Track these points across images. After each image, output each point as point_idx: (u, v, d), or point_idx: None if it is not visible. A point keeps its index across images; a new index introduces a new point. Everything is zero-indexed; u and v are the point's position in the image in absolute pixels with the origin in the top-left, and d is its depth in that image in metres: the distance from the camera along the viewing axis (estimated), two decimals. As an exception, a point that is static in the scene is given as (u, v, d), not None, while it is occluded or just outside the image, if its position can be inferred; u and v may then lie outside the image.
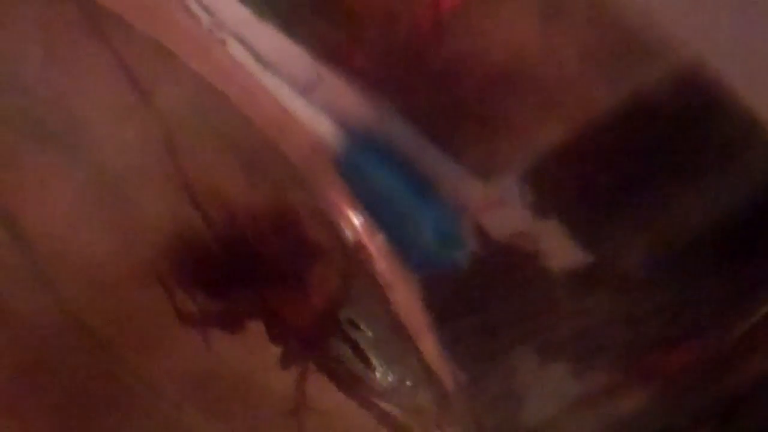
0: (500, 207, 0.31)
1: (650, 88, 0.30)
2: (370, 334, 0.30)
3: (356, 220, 0.31)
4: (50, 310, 0.29)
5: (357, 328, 0.30)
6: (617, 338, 0.31)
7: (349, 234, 0.31)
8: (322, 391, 0.29)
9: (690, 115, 0.30)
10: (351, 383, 0.29)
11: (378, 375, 0.30)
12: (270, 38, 0.31)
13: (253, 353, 0.29)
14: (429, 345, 0.31)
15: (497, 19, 0.31)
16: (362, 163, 0.31)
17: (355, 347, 0.29)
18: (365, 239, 0.31)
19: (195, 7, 0.31)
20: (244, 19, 0.31)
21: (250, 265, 0.29)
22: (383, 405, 0.30)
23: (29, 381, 0.29)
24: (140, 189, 0.30)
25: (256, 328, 0.29)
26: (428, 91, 0.31)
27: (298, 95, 0.31)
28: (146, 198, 0.30)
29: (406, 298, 0.31)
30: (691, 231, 0.31)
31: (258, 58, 0.31)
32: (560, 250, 0.31)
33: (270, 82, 0.31)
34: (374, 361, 0.30)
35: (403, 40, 0.31)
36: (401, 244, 0.31)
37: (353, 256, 0.30)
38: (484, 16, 0.31)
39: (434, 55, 0.31)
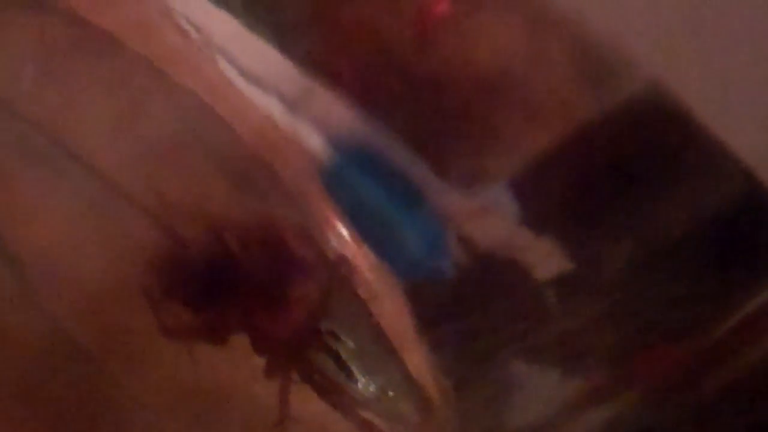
0: (484, 216, 0.32)
1: (626, 98, 0.31)
2: (351, 344, 0.30)
3: (342, 231, 0.31)
4: (39, 327, 0.30)
5: (338, 339, 0.30)
6: (602, 341, 0.31)
7: (333, 246, 0.31)
8: (306, 401, 0.29)
9: (658, 131, 0.31)
10: (334, 393, 0.30)
11: (360, 385, 0.30)
12: (259, 53, 0.31)
13: (237, 365, 0.30)
14: (413, 354, 0.31)
15: (483, 30, 0.31)
16: (349, 175, 0.32)
17: (337, 358, 0.30)
18: (350, 251, 0.31)
19: (184, 24, 0.32)
20: (233, 34, 0.32)
21: (234, 278, 0.30)
22: (366, 414, 0.30)
23: (21, 399, 0.29)
24: (127, 206, 0.30)
25: (240, 340, 0.29)
26: (415, 102, 0.32)
27: (287, 109, 0.32)
28: (132, 215, 0.30)
29: (390, 308, 0.31)
30: (669, 237, 0.31)
31: (247, 73, 0.32)
32: (544, 257, 0.31)
33: (259, 97, 0.32)
34: (356, 371, 0.30)
35: (390, 52, 0.32)
36: (387, 255, 0.31)
37: (335, 269, 0.31)
38: (470, 27, 0.31)
39: (421, 66, 0.32)
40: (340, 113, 0.31)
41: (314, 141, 0.32)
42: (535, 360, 0.32)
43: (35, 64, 0.31)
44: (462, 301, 0.31)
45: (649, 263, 0.31)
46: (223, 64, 0.32)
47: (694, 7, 0.29)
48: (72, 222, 0.30)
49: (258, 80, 0.32)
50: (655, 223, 0.31)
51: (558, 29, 0.31)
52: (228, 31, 0.32)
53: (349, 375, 0.30)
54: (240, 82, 0.32)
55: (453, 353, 0.31)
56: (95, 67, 0.32)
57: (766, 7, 0.30)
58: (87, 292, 0.30)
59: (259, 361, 0.29)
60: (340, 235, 0.31)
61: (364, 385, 0.30)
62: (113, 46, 0.31)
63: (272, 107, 0.32)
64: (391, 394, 0.30)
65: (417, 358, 0.31)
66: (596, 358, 0.32)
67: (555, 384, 0.32)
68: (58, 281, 0.30)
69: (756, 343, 0.31)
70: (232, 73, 0.32)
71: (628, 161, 0.31)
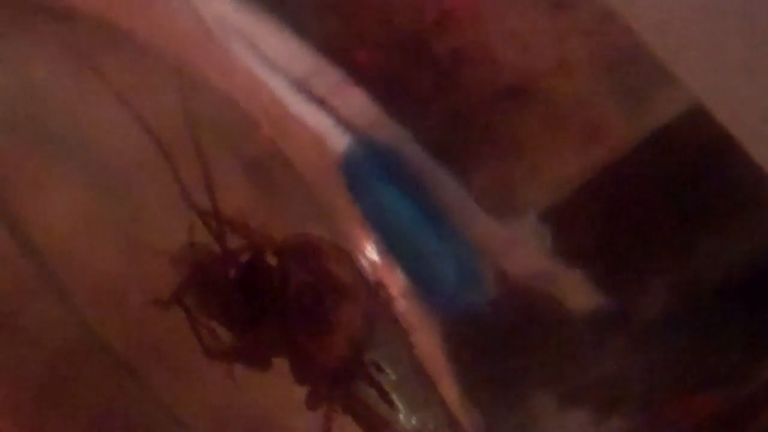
0: (518, 247, 0.31)
1: (666, 123, 0.30)
2: (393, 377, 0.29)
3: (375, 255, 0.30)
4: (63, 321, 0.28)
5: (381, 370, 0.29)
6: (637, 386, 0.31)
7: (369, 272, 0.30)
8: (346, 432, 0.28)
9: (704, 158, 0.30)
10: (376, 426, 0.28)
11: (401, 417, 0.29)
12: (274, 36, 0.30)
13: (277, 391, 0.28)
14: (449, 390, 0.30)
15: (505, 24, 0.30)
16: (370, 177, 0.31)
17: (380, 389, 0.29)
18: (385, 277, 0.30)
19: (196, 4, 0.30)
20: (248, 16, 0.30)
21: (274, 298, 0.28)
22: (406, 448, 0.29)
23: (52, 401, 0.27)
24: (145, 199, 0.29)
25: (281, 365, 0.28)
26: (435, 95, 0.30)
27: (303, 96, 0.30)
28: (152, 208, 0.29)
29: (427, 341, 0.30)
30: (713, 277, 0.31)
31: (261, 57, 0.30)
32: (579, 293, 0.30)
33: (273, 82, 0.30)
34: (398, 403, 0.29)
35: (407, 33, 0.30)
36: (421, 283, 0.30)
37: (375, 295, 0.29)
38: (491, 17, 0.30)
39: (439, 49, 0.30)
40: (359, 102, 0.30)
41: (333, 134, 0.30)
42: (569, 403, 0.31)
43: (51, 53, 0.30)
44: (496, 341, 0.30)
45: (688, 304, 0.30)
46: (238, 48, 0.30)
47: (749, 20, 0.28)
48: (94, 216, 0.29)
49: (272, 64, 0.30)
50: (696, 263, 0.31)
51: (586, 35, 0.30)
52: (243, 13, 0.30)
53: (392, 407, 0.29)
54: (255, 67, 0.30)
55: (488, 393, 0.30)
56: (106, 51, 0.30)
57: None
58: (109, 284, 0.28)
59: (301, 390, 0.28)
60: (371, 259, 0.30)
61: (405, 417, 0.29)
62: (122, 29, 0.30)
63: (287, 93, 0.30)
64: (431, 427, 0.29)
65: (453, 394, 0.30)
66: (631, 403, 0.31)
67: (589, 427, 0.31)
68: (78, 270, 0.28)
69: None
70: (246, 58, 0.30)
71: (665, 194, 0.31)
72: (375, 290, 0.29)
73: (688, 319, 0.30)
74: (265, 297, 0.28)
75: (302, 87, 0.30)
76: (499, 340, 0.30)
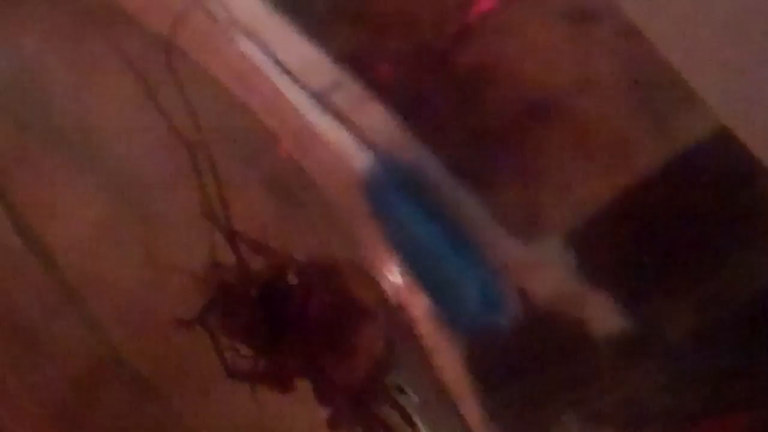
0: (543, 270, 0.30)
1: (693, 145, 0.30)
2: (416, 399, 0.29)
3: (398, 278, 0.30)
4: (89, 342, 0.28)
5: (403, 392, 0.29)
6: (662, 408, 0.30)
7: (391, 293, 0.30)
8: (370, 456, 0.28)
9: (730, 180, 0.30)
10: (399, 448, 0.28)
11: (424, 440, 0.29)
12: (290, 42, 0.30)
13: (300, 412, 0.28)
14: (472, 412, 0.30)
15: (528, 38, 0.30)
16: (392, 196, 0.30)
17: (403, 412, 0.28)
18: (408, 299, 0.30)
19: (213, 6, 0.30)
20: (263, 21, 0.30)
21: (296, 319, 0.28)
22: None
23: (74, 420, 0.27)
24: (166, 213, 0.29)
25: (304, 386, 0.28)
26: (456, 110, 0.30)
27: (320, 107, 0.30)
28: (173, 223, 0.29)
29: (450, 363, 0.30)
30: (739, 299, 0.30)
31: (277, 63, 0.30)
32: (604, 315, 0.30)
33: (289, 90, 0.30)
34: (421, 426, 0.29)
35: (429, 47, 0.30)
36: (444, 305, 0.30)
37: (397, 317, 0.29)
38: (514, 30, 0.30)
39: (462, 65, 0.30)
40: (380, 119, 0.30)
41: (354, 151, 0.30)
42: (594, 425, 0.31)
43: (60, 53, 0.30)
44: (520, 360, 0.30)
45: (714, 326, 0.30)
46: (252, 51, 0.30)
47: None
48: (107, 223, 0.29)
49: (288, 72, 0.30)
50: (721, 286, 0.30)
51: (609, 51, 0.30)
52: (258, 17, 0.30)
53: (414, 429, 0.28)
54: (269, 73, 0.30)
55: (510, 415, 0.30)
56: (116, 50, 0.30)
57: None
58: (132, 302, 0.28)
59: (323, 411, 0.28)
60: (395, 282, 0.30)
61: (428, 439, 0.29)
62: (136, 28, 0.29)
63: (308, 107, 0.30)
64: (453, 449, 0.29)
65: (475, 416, 0.30)
66: (656, 424, 0.31)
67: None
68: (100, 288, 0.28)
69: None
70: (260, 62, 0.30)
71: (691, 216, 0.30)
72: (397, 313, 0.29)
73: (715, 340, 0.30)
74: (286, 318, 0.28)
75: (323, 101, 0.30)
76: (523, 362, 0.30)
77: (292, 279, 0.28)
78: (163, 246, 0.29)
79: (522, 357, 0.30)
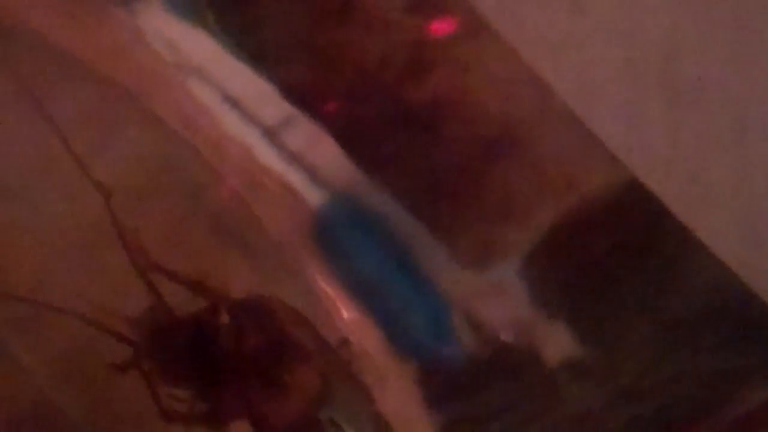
0: (495, 298, 0.31)
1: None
2: (352, 432, 0.29)
3: (348, 312, 0.30)
4: (22, 391, 0.28)
5: (339, 427, 0.29)
6: (617, 422, 0.31)
7: (336, 327, 0.30)
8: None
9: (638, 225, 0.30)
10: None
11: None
12: (238, 77, 0.30)
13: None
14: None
15: (485, 68, 0.30)
16: (344, 234, 0.30)
17: (338, 447, 0.29)
18: (358, 332, 0.30)
19: (158, 45, 0.30)
20: (210, 55, 0.30)
21: (230, 360, 0.28)
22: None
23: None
24: (108, 251, 0.29)
25: (241, 427, 0.28)
26: (409, 143, 0.30)
27: (267, 138, 0.30)
28: (115, 264, 0.29)
29: (397, 392, 0.30)
30: (684, 316, 0.31)
31: (225, 99, 0.30)
32: (555, 339, 0.30)
33: (238, 127, 0.30)
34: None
35: (381, 83, 0.30)
36: (396, 338, 0.30)
37: (336, 354, 0.30)
38: (470, 58, 0.30)
39: (416, 99, 0.30)
40: (333, 156, 0.30)
41: (306, 190, 0.30)
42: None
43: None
44: (472, 384, 0.30)
45: (663, 342, 0.30)
46: (200, 89, 0.30)
47: (672, 104, 0.28)
48: (45, 270, 0.29)
49: (237, 107, 0.30)
50: (663, 304, 0.30)
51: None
52: (205, 52, 0.30)
53: (350, 463, 0.29)
54: (218, 110, 0.30)
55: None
56: (68, 94, 0.30)
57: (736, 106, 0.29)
58: (68, 351, 0.28)
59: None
60: (343, 313, 0.30)
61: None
62: (85, 72, 0.30)
63: (258, 144, 0.30)
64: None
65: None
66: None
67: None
68: (35, 337, 0.28)
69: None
70: (209, 99, 0.30)
71: (620, 245, 0.31)
72: (336, 349, 0.30)
73: (663, 354, 0.30)
74: (218, 359, 0.28)
75: (273, 138, 0.30)
76: (474, 383, 0.30)
77: (225, 319, 0.28)
78: (97, 291, 0.29)
79: (473, 381, 0.30)
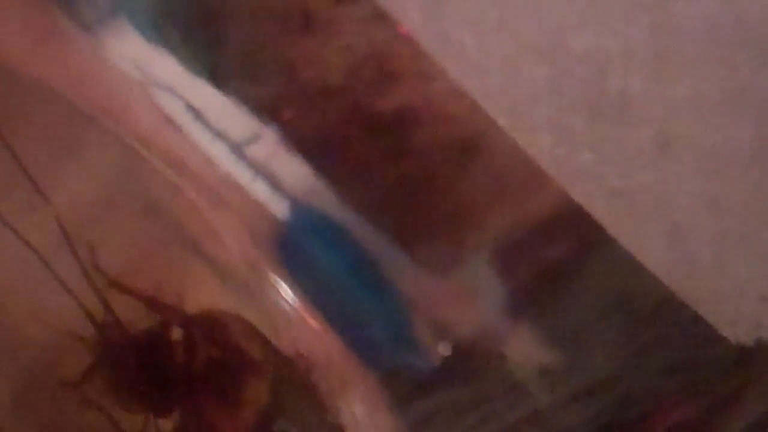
0: (461, 305, 0.31)
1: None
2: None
3: (311, 322, 0.30)
4: None
5: (290, 436, 0.29)
6: (582, 415, 0.31)
7: (293, 338, 0.30)
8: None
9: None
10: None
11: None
12: (200, 93, 0.30)
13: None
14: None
15: (446, 71, 0.30)
16: (307, 246, 0.31)
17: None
18: (317, 340, 0.30)
19: (124, 65, 0.31)
20: (177, 74, 0.30)
21: (181, 374, 0.29)
22: None
23: None
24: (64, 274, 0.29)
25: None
26: (378, 153, 0.30)
27: (233, 153, 0.30)
28: (72, 286, 0.29)
29: (360, 401, 0.30)
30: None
31: (187, 115, 0.30)
32: (518, 338, 0.31)
33: (200, 143, 0.30)
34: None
35: (346, 94, 0.30)
36: (359, 346, 0.31)
37: (290, 367, 0.30)
38: (432, 66, 0.30)
39: (382, 110, 0.30)
40: (291, 165, 0.30)
41: (265, 194, 0.31)
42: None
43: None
44: (436, 384, 0.31)
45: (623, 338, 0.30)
46: (166, 106, 0.31)
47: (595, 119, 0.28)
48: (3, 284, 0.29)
49: (202, 122, 0.31)
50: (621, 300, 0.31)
51: None
52: (171, 71, 0.30)
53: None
54: (180, 126, 0.31)
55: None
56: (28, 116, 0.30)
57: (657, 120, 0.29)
58: (15, 364, 0.28)
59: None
60: (304, 323, 0.31)
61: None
62: (45, 93, 0.30)
63: (216, 154, 0.30)
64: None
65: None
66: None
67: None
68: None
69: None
70: (174, 116, 0.31)
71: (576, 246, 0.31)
72: (292, 361, 0.30)
73: (625, 347, 0.30)
74: (171, 373, 0.28)
75: (238, 151, 0.31)
76: (438, 383, 0.30)
77: (177, 334, 0.29)
78: (49, 308, 0.29)
79: (437, 382, 0.31)
